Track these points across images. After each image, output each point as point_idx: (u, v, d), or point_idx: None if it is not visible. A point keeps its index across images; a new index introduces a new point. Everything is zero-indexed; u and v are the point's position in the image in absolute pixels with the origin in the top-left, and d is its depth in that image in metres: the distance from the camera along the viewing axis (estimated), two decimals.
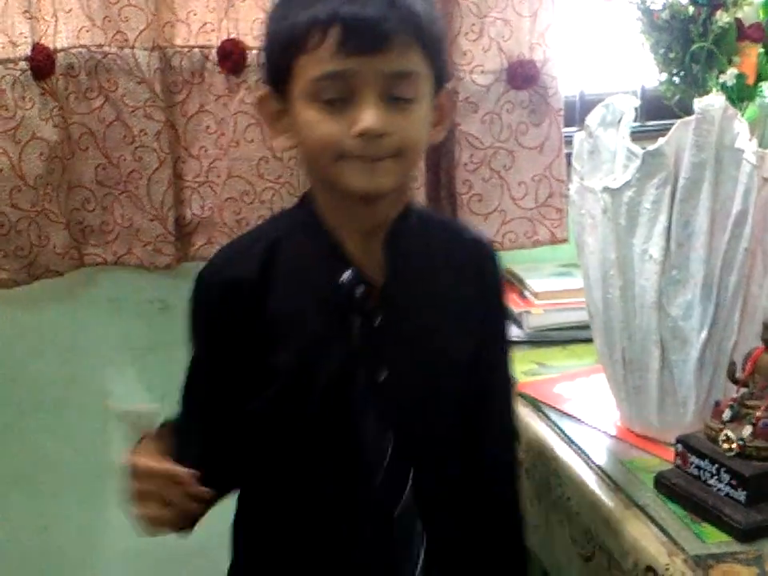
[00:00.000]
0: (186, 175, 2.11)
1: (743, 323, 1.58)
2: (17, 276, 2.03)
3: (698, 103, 1.52)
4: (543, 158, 2.22)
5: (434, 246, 1.45)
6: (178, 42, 2.07)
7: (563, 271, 2.26)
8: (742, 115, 1.60)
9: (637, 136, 1.66)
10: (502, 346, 1.53)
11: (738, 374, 1.48)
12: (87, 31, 2.03)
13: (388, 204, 1.37)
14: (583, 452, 1.65)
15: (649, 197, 1.55)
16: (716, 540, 1.38)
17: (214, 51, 2.07)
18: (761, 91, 1.73)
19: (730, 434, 1.42)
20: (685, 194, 1.54)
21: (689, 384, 1.60)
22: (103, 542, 2.32)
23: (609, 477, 1.57)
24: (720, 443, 1.43)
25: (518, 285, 2.22)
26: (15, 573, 2.30)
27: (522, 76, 2.18)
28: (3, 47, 1.96)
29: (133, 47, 2.02)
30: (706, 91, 1.65)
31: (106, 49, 2.03)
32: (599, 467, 1.60)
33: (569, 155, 1.75)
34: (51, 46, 2.02)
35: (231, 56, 2.06)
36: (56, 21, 2.02)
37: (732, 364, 1.50)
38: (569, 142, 1.93)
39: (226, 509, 1.48)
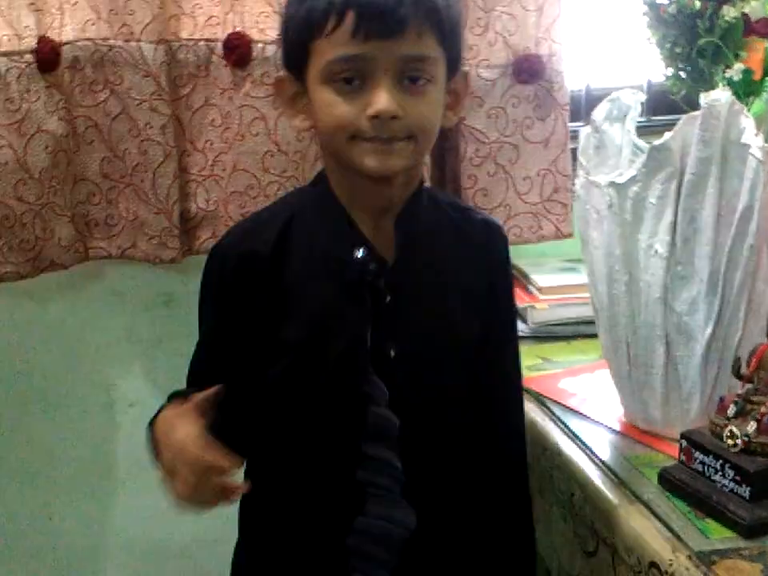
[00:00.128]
0: (191, 169, 2.12)
1: (748, 319, 1.57)
2: (22, 269, 2.03)
3: (705, 98, 1.52)
4: (548, 152, 2.22)
5: (445, 227, 1.47)
6: (184, 35, 2.07)
7: (568, 266, 2.25)
8: (749, 110, 1.59)
9: (643, 131, 1.66)
10: (509, 327, 1.55)
11: (743, 370, 1.48)
12: (93, 24, 2.03)
13: (400, 184, 1.40)
14: (587, 447, 1.65)
15: (654, 192, 1.55)
16: (720, 536, 1.38)
17: (219, 45, 2.07)
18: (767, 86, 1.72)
19: (734, 429, 1.42)
20: (691, 189, 1.53)
21: (693, 380, 1.60)
22: (107, 534, 2.33)
23: (612, 472, 1.57)
24: (724, 439, 1.43)
25: (523, 280, 2.22)
26: (19, 565, 2.30)
27: (527, 70, 2.17)
28: (9, 40, 1.97)
29: (138, 40, 2.02)
30: (712, 86, 1.64)
31: (112, 42, 2.03)
32: (603, 462, 1.60)
33: (574, 150, 1.75)
34: (57, 39, 2.02)
35: (237, 49, 2.06)
36: (62, 14, 2.02)
37: (737, 360, 1.49)
38: (574, 136, 1.93)
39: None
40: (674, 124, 1.55)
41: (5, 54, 1.97)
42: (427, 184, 2.12)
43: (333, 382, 1.40)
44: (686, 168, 1.53)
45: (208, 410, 1.29)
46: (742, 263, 1.55)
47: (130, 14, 2.02)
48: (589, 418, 1.75)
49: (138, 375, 2.26)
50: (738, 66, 1.66)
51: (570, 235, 2.24)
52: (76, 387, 2.25)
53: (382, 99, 1.31)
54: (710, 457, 1.44)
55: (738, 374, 1.48)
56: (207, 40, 2.07)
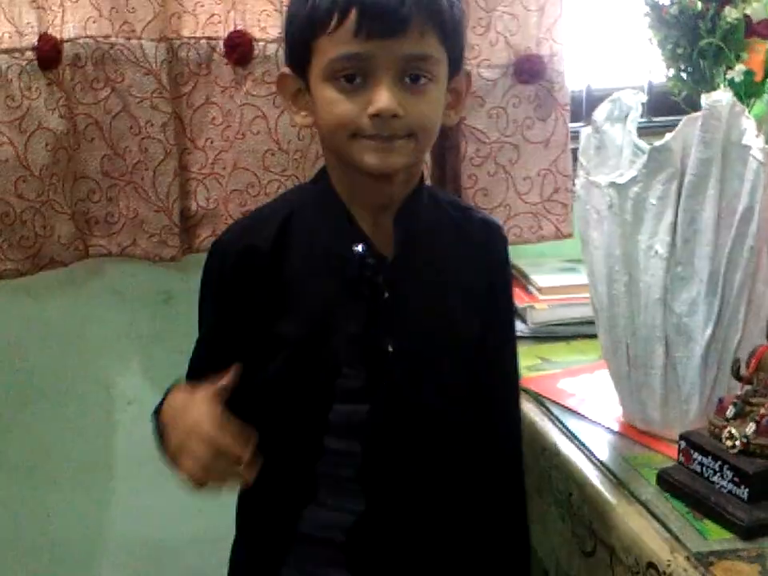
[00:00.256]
0: (192, 167, 2.12)
1: (748, 320, 1.57)
2: (21, 266, 2.03)
3: (706, 99, 1.52)
4: (549, 152, 2.22)
5: (444, 225, 1.48)
6: (185, 33, 2.07)
7: (568, 266, 2.25)
8: (750, 112, 1.59)
9: (643, 132, 1.66)
10: (508, 326, 1.56)
11: (743, 372, 1.48)
12: (94, 22, 2.03)
13: (400, 182, 1.41)
14: (586, 447, 1.65)
15: (655, 192, 1.55)
16: (718, 537, 1.38)
17: (220, 43, 2.07)
18: None
19: (733, 431, 1.42)
20: (691, 190, 1.53)
21: (693, 381, 1.60)
22: (105, 532, 2.33)
23: (611, 472, 1.57)
24: (723, 440, 1.43)
25: (523, 280, 2.22)
26: (17, 561, 2.30)
27: (528, 70, 2.17)
28: (10, 37, 1.97)
29: (140, 38, 2.02)
30: (713, 87, 1.64)
31: (113, 39, 2.03)
32: (601, 463, 1.60)
33: (575, 150, 1.75)
34: (58, 36, 2.02)
35: (238, 48, 2.06)
36: (63, 11, 2.02)
37: (736, 361, 1.49)
38: (575, 137, 1.93)
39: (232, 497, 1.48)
40: (674, 125, 1.55)
41: (6, 51, 1.97)
42: (428, 183, 2.13)
43: (328, 378, 1.41)
44: (687, 169, 1.53)
45: (224, 395, 1.30)
46: (741, 264, 1.55)
47: (132, 12, 2.02)
48: (588, 418, 1.75)
49: (137, 373, 2.27)
50: (740, 68, 1.66)
51: (569, 235, 2.24)
52: (75, 384, 2.25)
53: (383, 98, 1.31)
54: (709, 458, 1.44)
55: (737, 376, 1.48)
56: (208, 38, 2.07)
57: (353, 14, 1.30)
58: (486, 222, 1.54)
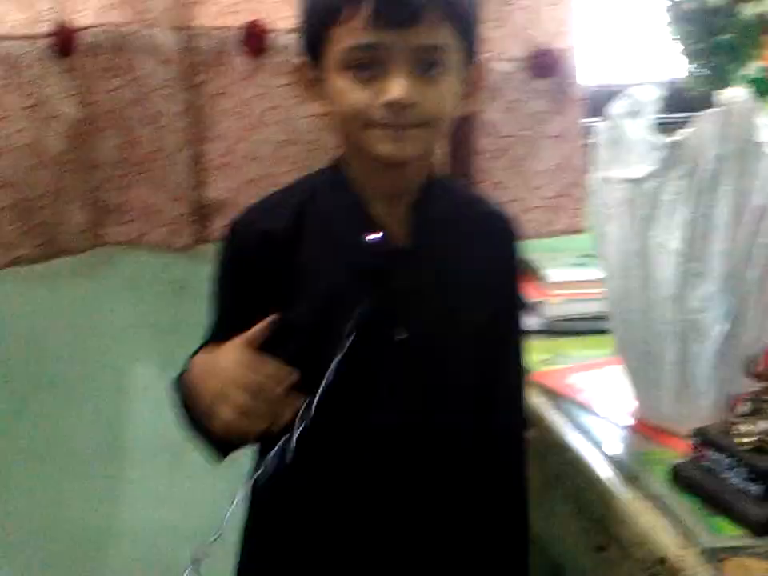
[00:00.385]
0: (206, 157, 2.12)
1: (762, 317, 1.57)
2: (34, 253, 2.04)
3: (722, 95, 1.52)
4: (563, 147, 2.22)
5: (457, 215, 1.49)
6: (202, 22, 2.08)
7: (581, 261, 2.25)
8: (766, 108, 1.59)
9: (659, 127, 1.65)
10: (517, 320, 1.56)
11: (756, 368, 1.48)
12: (111, 10, 2.04)
13: (413, 171, 1.42)
14: (597, 443, 1.65)
15: (670, 188, 1.54)
16: (730, 533, 1.37)
17: (236, 33, 2.08)
18: None
19: (746, 428, 1.42)
20: (706, 186, 1.53)
21: (706, 377, 1.59)
22: (118, 517, 2.34)
23: (623, 468, 1.56)
24: (737, 437, 1.43)
25: (535, 274, 2.22)
26: (30, 546, 2.31)
27: (544, 64, 2.18)
28: (26, 24, 1.97)
29: (156, 27, 2.03)
30: (729, 84, 1.64)
31: (129, 28, 2.04)
32: (614, 458, 1.60)
33: (589, 145, 1.75)
34: (74, 24, 2.02)
35: (254, 38, 2.07)
36: None
37: (750, 358, 1.49)
38: (589, 131, 1.93)
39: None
40: (690, 121, 1.55)
41: (21, 38, 1.97)
42: (441, 174, 2.13)
43: (337, 365, 1.39)
44: (702, 165, 1.53)
45: (254, 344, 1.31)
46: (756, 261, 1.54)
47: (148, 0, 2.02)
48: (600, 413, 1.74)
49: (149, 361, 2.27)
50: (755, 64, 1.66)
51: (583, 230, 2.23)
52: (88, 372, 2.25)
53: (396, 87, 1.32)
54: (722, 454, 1.43)
55: (750, 373, 1.48)
56: (224, 28, 2.08)
57: (366, 4, 1.31)
58: (497, 215, 1.54)
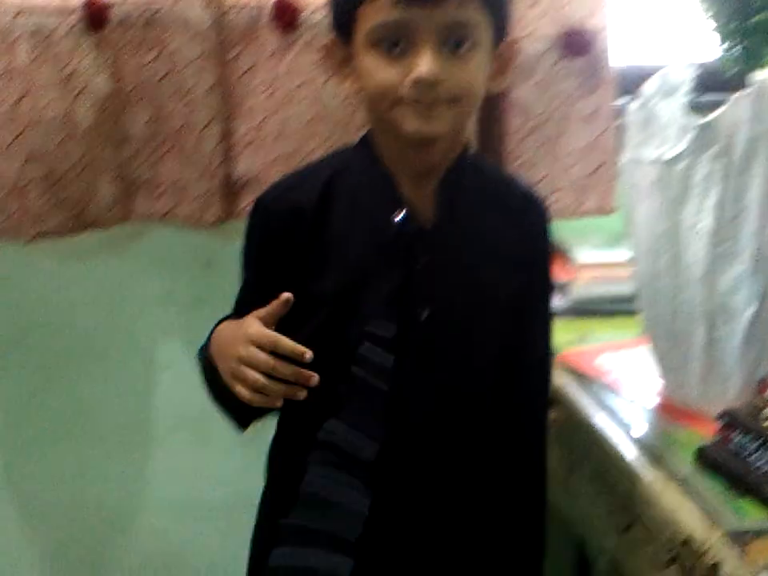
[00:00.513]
0: (236, 132, 2.11)
1: None
2: (64, 226, 2.04)
3: (756, 77, 1.51)
4: (594, 127, 2.20)
5: (486, 195, 1.49)
6: None
7: (610, 242, 2.24)
8: None
9: (691, 108, 1.64)
10: (545, 300, 1.55)
11: None
12: None
13: (442, 149, 1.42)
14: (623, 424, 1.65)
15: (701, 169, 1.54)
16: (755, 516, 1.37)
17: (268, 8, 2.07)
18: None
19: None
20: (738, 167, 1.52)
21: (734, 359, 1.59)
22: (142, 491, 2.34)
23: (649, 449, 1.56)
24: (764, 420, 1.42)
25: (564, 255, 2.21)
26: (53, 520, 2.33)
27: (575, 44, 2.16)
28: None
29: (187, 2, 2.02)
30: (763, 64, 1.63)
31: (161, 2, 2.03)
32: (639, 439, 1.60)
33: (620, 125, 1.74)
34: None
35: (285, 14, 2.06)
36: None
37: None
38: (621, 111, 1.92)
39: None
40: (723, 102, 1.54)
41: (53, 12, 1.97)
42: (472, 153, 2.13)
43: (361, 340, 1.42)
44: (735, 146, 1.52)
45: (272, 321, 1.33)
46: None
47: None
48: (626, 394, 1.74)
49: (176, 337, 2.27)
50: None
51: (612, 211, 2.22)
52: (115, 347, 2.26)
53: (425, 64, 1.32)
54: (749, 437, 1.43)
55: None
56: (256, 4, 2.07)
57: None
58: (527, 196, 1.53)
